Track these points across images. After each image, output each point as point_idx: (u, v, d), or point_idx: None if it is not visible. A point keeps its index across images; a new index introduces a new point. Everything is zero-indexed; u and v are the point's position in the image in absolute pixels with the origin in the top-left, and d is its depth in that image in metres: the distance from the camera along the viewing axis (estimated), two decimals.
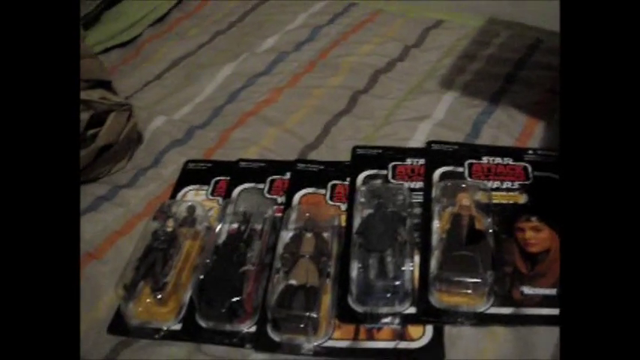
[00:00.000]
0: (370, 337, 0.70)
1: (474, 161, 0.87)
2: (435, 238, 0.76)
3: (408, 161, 0.89)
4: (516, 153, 0.88)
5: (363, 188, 0.83)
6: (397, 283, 0.70)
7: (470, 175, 0.85)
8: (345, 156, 0.92)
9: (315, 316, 0.68)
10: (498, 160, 0.87)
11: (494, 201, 0.80)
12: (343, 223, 0.81)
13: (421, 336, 0.69)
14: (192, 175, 0.93)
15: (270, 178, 0.89)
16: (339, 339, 0.70)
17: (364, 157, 0.91)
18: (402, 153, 0.91)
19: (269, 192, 0.88)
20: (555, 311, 0.69)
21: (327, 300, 0.71)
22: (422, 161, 0.89)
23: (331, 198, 0.86)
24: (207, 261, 0.74)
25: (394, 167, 0.88)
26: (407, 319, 0.70)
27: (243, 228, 0.79)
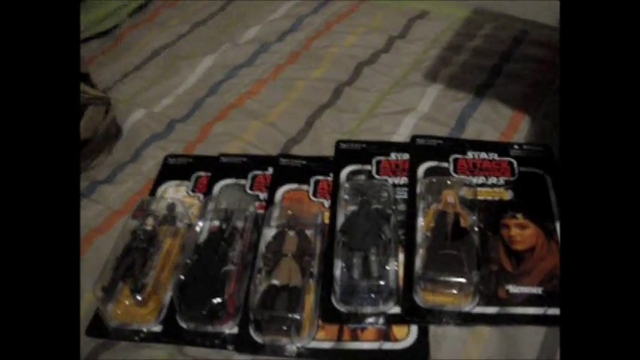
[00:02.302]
0: (354, 338, 0.69)
1: (459, 156, 0.86)
2: (419, 236, 0.75)
3: (393, 156, 0.88)
4: (502, 148, 0.87)
5: (347, 185, 0.82)
6: (381, 282, 0.69)
7: (455, 171, 0.84)
8: (328, 150, 0.91)
9: (297, 317, 0.67)
10: (484, 155, 0.86)
11: (480, 197, 0.80)
12: (326, 220, 0.80)
13: (406, 336, 0.68)
14: (172, 170, 0.91)
15: (252, 174, 0.88)
16: (323, 340, 0.69)
17: (348, 152, 0.90)
18: (387, 148, 0.90)
19: (251, 188, 0.86)
20: (540, 310, 0.69)
21: (310, 300, 0.70)
22: (406, 156, 0.88)
23: (314, 194, 0.84)
24: (188, 260, 0.72)
25: (378, 162, 0.87)
26: (391, 319, 0.70)
27: (224, 226, 0.77)
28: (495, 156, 0.86)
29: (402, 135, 0.93)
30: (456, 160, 0.86)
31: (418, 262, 0.72)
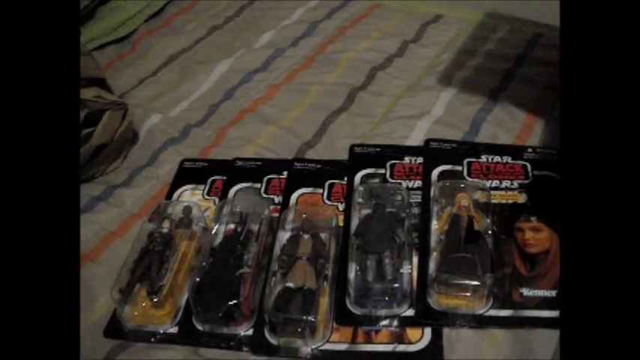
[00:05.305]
0: (368, 340, 0.69)
1: (472, 160, 0.86)
2: (433, 239, 0.75)
3: (407, 160, 0.88)
4: (515, 151, 0.87)
5: (361, 188, 0.82)
6: (395, 285, 0.70)
7: (469, 174, 0.85)
8: (342, 154, 0.92)
9: (312, 319, 0.67)
10: (497, 158, 0.86)
11: (494, 200, 0.80)
12: (341, 224, 0.80)
13: (420, 339, 0.69)
14: (188, 174, 0.92)
15: (266, 178, 0.89)
16: (337, 342, 0.69)
17: (362, 156, 0.90)
18: (400, 151, 0.90)
19: (266, 192, 0.87)
20: (555, 313, 0.69)
21: (324, 302, 0.71)
22: (420, 160, 0.88)
23: (329, 197, 0.85)
24: (204, 263, 0.73)
25: (392, 166, 0.87)
26: (405, 322, 0.70)
27: (239, 229, 0.78)
28: (509, 159, 0.86)
29: (415, 139, 0.93)
30: (469, 164, 0.86)
31: (432, 265, 0.72)
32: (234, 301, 0.69)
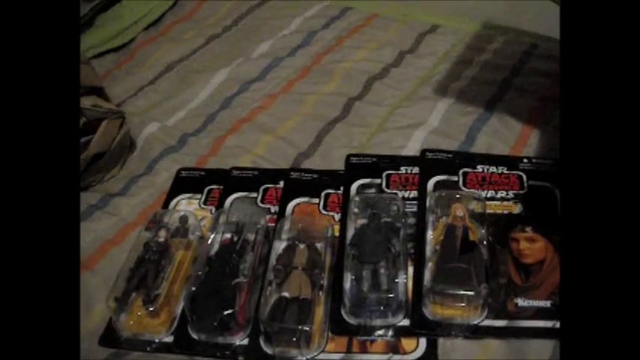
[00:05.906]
0: (363, 350, 0.69)
1: (468, 170, 0.87)
2: (428, 249, 0.76)
3: (402, 170, 0.89)
4: (511, 162, 0.88)
5: (357, 198, 0.83)
6: (390, 295, 0.70)
7: (464, 185, 0.85)
8: (338, 164, 0.92)
9: (307, 329, 0.68)
10: (493, 169, 0.87)
11: (489, 211, 0.80)
12: (337, 234, 0.80)
13: (415, 349, 0.69)
14: (185, 183, 0.93)
15: (263, 187, 0.89)
16: (332, 352, 0.69)
17: (358, 166, 0.90)
18: (396, 161, 0.90)
19: (262, 201, 0.87)
20: (549, 324, 0.69)
21: (320, 312, 0.71)
22: (416, 170, 0.88)
23: (324, 207, 0.85)
24: (200, 273, 0.73)
25: (388, 176, 0.88)
26: (400, 332, 0.70)
27: (235, 238, 0.78)
28: (505, 170, 0.87)
29: (411, 149, 0.94)
30: (465, 174, 0.86)
31: (427, 275, 0.73)
32: (230, 311, 0.69)
